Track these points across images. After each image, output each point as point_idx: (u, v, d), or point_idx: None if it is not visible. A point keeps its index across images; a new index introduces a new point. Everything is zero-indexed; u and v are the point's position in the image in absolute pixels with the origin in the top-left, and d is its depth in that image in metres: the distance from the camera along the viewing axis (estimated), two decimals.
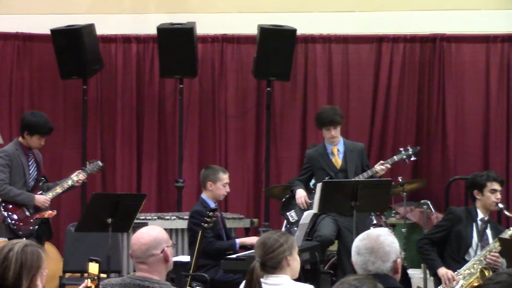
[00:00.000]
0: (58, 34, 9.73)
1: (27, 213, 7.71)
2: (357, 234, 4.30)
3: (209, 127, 10.26)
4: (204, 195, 7.51)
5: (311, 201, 7.95)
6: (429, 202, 8.97)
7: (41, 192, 7.81)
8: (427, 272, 7.80)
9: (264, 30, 9.59)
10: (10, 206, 7.67)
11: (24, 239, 6.23)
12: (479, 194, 6.87)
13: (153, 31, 9.81)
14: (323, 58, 10.10)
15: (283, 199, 8.57)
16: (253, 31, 9.76)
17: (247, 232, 8.80)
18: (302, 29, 9.87)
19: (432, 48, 9.95)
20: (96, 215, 7.07)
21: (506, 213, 6.90)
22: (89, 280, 4.01)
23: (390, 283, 3.90)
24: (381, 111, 9.99)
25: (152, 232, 4.29)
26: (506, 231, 6.77)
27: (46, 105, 10.06)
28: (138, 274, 4.26)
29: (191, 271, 6.78)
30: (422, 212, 8.88)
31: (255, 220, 9.16)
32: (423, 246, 6.93)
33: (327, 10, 10.17)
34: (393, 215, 8.96)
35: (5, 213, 7.64)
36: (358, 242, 4.02)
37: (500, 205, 6.85)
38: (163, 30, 9.68)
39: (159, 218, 8.76)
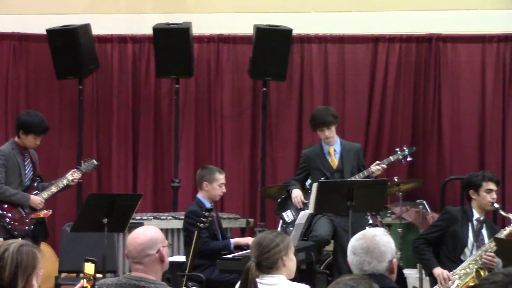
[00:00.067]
0: (54, 34, 9.72)
1: (23, 213, 7.70)
2: (353, 234, 4.30)
3: (205, 127, 10.25)
4: (200, 195, 7.50)
5: (306, 201, 7.95)
6: (425, 202, 8.96)
7: (36, 192, 7.81)
8: (423, 272, 7.80)
9: (260, 30, 9.58)
10: (6, 206, 7.66)
11: (20, 239, 6.21)
12: (475, 194, 6.88)
13: (149, 31, 9.81)
14: (319, 58, 10.09)
15: (279, 199, 8.57)
16: (249, 31, 9.76)
17: (243, 232, 8.79)
18: (298, 29, 9.86)
19: (428, 48, 9.94)
20: (92, 215, 7.07)
21: (502, 213, 6.90)
22: (84, 280, 4.01)
23: (386, 283, 3.89)
24: (377, 111, 9.98)
25: (148, 232, 4.29)
26: (502, 231, 6.78)
27: (42, 105, 10.05)
28: (134, 274, 4.26)
29: (186, 271, 6.78)
30: (418, 212, 8.88)
31: (251, 220, 9.16)
32: (418, 246, 6.94)
33: (323, 10, 10.16)
34: (389, 215, 8.96)
35: (1, 213, 7.64)
36: (354, 242, 4.01)
37: (496, 205, 6.85)
38: (159, 30, 9.67)
39: (155, 218, 8.77)
